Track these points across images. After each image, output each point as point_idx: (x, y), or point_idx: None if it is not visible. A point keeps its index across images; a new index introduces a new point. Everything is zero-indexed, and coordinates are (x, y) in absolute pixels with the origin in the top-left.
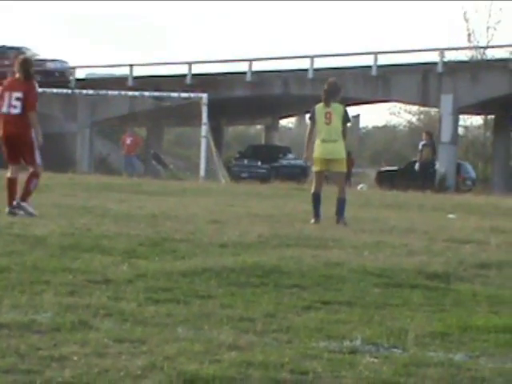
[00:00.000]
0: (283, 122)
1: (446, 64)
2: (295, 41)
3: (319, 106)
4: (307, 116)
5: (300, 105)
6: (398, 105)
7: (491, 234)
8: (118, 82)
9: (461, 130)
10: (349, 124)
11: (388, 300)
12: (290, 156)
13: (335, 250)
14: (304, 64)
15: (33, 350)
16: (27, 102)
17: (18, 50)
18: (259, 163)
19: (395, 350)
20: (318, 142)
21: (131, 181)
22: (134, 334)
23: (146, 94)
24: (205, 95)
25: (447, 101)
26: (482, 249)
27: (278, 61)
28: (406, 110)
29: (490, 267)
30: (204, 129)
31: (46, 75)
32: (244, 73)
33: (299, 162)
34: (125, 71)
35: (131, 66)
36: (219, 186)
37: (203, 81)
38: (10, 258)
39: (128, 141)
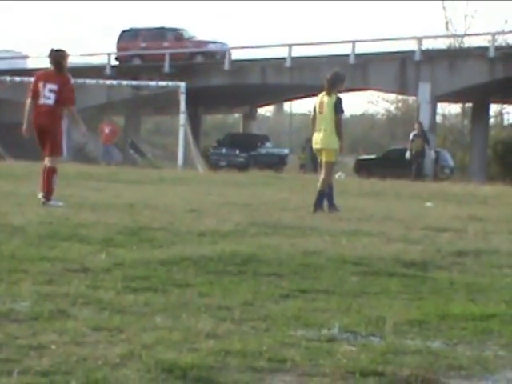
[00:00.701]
0: (261, 111)
1: (423, 52)
2: (273, 29)
3: (319, 96)
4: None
5: (278, 93)
6: (376, 93)
7: (469, 222)
8: (95, 71)
9: (439, 119)
10: (342, 115)
11: (366, 288)
12: (268, 144)
13: (313, 238)
14: (282, 52)
15: (11, 339)
16: (64, 96)
17: (177, 32)
18: (237, 152)
19: (373, 338)
20: (314, 131)
21: (109, 169)
22: (112, 323)
23: (124, 82)
24: (182, 84)
25: (425, 89)
26: (460, 237)
27: (255, 49)
28: (383, 99)
29: (467, 255)
30: (182, 117)
31: (207, 57)
32: (222, 61)
33: (277, 150)
34: (103, 60)
35: (109, 54)
36: (197, 175)
37: (181, 69)
38: None
39: (106, 130)
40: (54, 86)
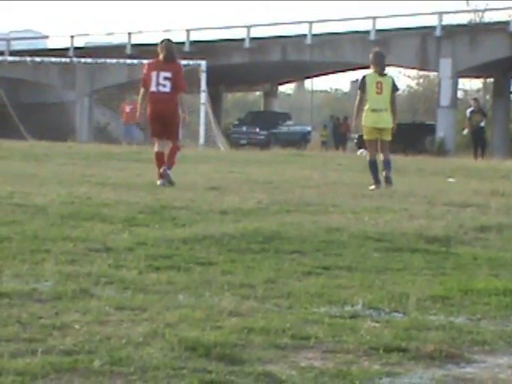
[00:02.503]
0: (282, 89)
1: (444, 28)
2: (293, 6)
3: (370, 76)
4: (357, 85)
5: (299, 71)
6: (397, 69)
7: (491, 197)
8: (116, 50)
9: (460, 94)
10: (397, 92)
11: (388, 264)
12: (290, 122)
13: (335, 215)
14: (302, 30)
15: (34, 318)
16: (177, 83)
17: None
18: (258, 129)
19: (396, 314)
20: (367, 111)
21: (130, 149)
22: (135, 302)
23: (145, 61)
24: (203, 62)
25: (446, 64)
26: (482, 212)
27: (276, 27)
28: (405, 75)
29: (490, 230)
30: (203, 96)
31: None
32: (242, 39)
33: (299, 127)
34: (123, 39)
35: (129, 34)
36: (218, 153)
37: (201, 48)
38: (11, 227)
39: (127, 109)
40: (168, 74)
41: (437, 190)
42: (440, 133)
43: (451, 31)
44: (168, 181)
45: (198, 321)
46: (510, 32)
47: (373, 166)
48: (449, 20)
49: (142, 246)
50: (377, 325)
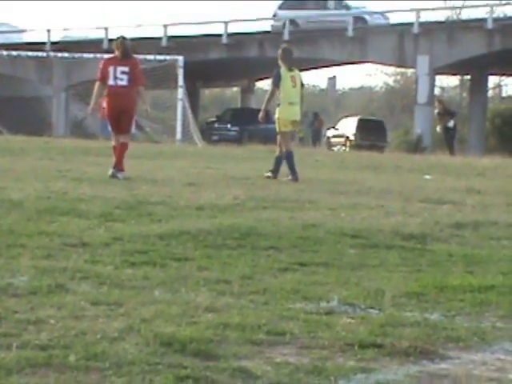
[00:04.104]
0: (260, 85)
1: (421, 25)
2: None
3: (284, 71)
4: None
5: (276, 67)
6: (374, 66)
7: (467, 194)
8: (93, 45)
9: (437, 91)
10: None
11: (364, 261)
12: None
13: (312, 211)
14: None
15: (9, 313)
16: (135, 77)
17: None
18: (228, 126)
19: (372, 310)
20: (285, 104)
21: (107, 144)
22: (111, 297)
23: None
24: (180, 58)
25: (423, 61)
26: (458, 209)
27: (253, 22)
28: (382, 72)
29: (465, 227)
30: (180, 91)
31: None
32: (220, 35)
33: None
34: (100, 34)
35: (106, 28)
36: (195, 149)
37: (179, 43)
38: None
39: (104, 104)
40: (125, 69)
41: (413, 187)
42: (417, 130)
43: (428, 28)
44: (123, 178)
45: (173, 316)
46: (486, 29)
47: (290, 157)
48: (426, 17)
49: (118, 241)
50: (352, 321)
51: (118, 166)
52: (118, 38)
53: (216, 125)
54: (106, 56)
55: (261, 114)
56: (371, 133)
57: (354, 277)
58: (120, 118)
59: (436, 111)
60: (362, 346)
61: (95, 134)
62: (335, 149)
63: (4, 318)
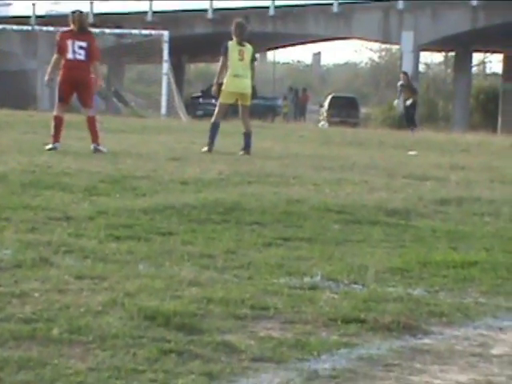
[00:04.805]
0: None
1: (406, 1)
2: None
3: (232, 43)
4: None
5: (261, 42)
6: (360, 42)
7: (451, 170)
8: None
9: (422, 67)
10: (256, 63)
11: (348, 236)
12: (257, 95)
13: (296, 187)
14: (265, 1)
15: None
16: (92, 53)
17: None
18: (213, 101)
19: (355, 285)
20: (230, 76)
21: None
22: (95, 271)
23: (107, 31)
24: (166, 32)
25: (408, 38)
26: (442, 185)
27: None
28: (367, 48)
29: (449, 203)
30: (165, 66)
31: None
32: (205, 10)
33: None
34: (85, 8)
35: (91, 2)
36: (180, 124)
37: (164, 18)
38: None
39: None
40: (83, 44)
41: (397, 163)
42: (400, 105)
43: (413, 4)
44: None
45: (157, 290)
46: (471, 6)
47: (215, 127)
48: None
49: (103, 215)
50: (335, 296)
51: (97, 141)
52: (75, 11)
53: (201, 100)
54: (64, 29)
55: (213, 88)
56: (342, 109)
57: (338, 252)
58: (78, 91)
59: (400, 83)
60: (345, 321)
61: (79, 108)
62: (319, 125)
63: None
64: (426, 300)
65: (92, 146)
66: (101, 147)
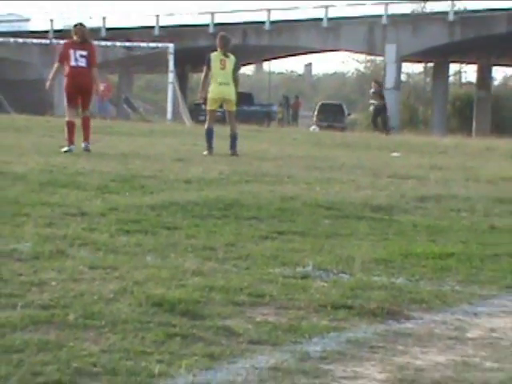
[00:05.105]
0: (243, 70)
1: (389, 16)
2: None
3: (214, 55)
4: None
5: (258, 54)
6: (347, 54)
7: (430, 170)
8: (92, 33)
9: (403, 77)
10: (239, 72)
11: (337, 230)
12: (254, 101)
13: (290, 185)
14: (261, 17)
15: (15, 276)
16: (92, 60)
17: None
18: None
19: (343, 275)
20: (214, 84)
21: (104, 123)
22: (107, 262)
23: (118, 44)
24: (171, 45)
25: (391, 50)
26: (422, 184)
27: (237, 13)
28: (354, 59)
29: (428, 200)
30: (170, 76)
31: None
32: (207, 25)
33: (259, 107)
34: (99, 23)
35: (104, 18)
36: (184, 128)
37: (170, 32)
38: None
39: (101, 87)
40: (84, 52)
41: (381, 164)
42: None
43: (396, 20)
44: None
45: (163, 279)
46: (448, 21)
47: (209, 133)
48: (394, 9)
49: (114, 211)
50: (325, 284)
51: (88, 140)
52: (76, 24)
53: (203, 106)
54: (65, 40)
55: (199, 94)
56: (329, 115)
57: (328, 244)
58: (81, 95)
59: (372, 90)
60: (334, 307)
61: (93, 114)
62: (311, 129)
63: (10, 280)
64: (407, 288)
65: (83, 145)
66: (89, 146)
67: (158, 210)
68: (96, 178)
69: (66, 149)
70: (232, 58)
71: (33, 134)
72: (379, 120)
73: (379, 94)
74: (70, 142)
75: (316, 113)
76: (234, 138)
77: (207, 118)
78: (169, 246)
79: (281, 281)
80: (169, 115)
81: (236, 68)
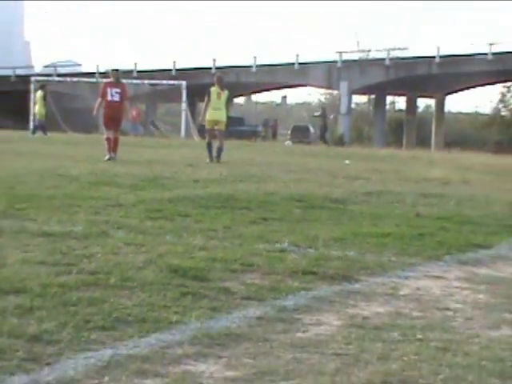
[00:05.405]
0: (236, 100)
1: (343, 62)
2: (240, 47)
3: (213, 88)
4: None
5: (247, 88)
6: (312, 88)
7: (373, 173)
8: (126, 74)
9: (353, 105)
10: (232, 102)
11: (305, 217)
12: (245, 123)
13: (271, 183)
14: (249, 62)
15: (71, 250)
16: (123, 96)
17: None
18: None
19: (310, 249)
20: (210, 109)
21: (135, 139)
22: (137, 240)
23: (145, 81)
24: (184, 82)
25: (344, 86)
26: (367, 183)
27: (232, 59)
28: (317, 92)
29: (372, 195)
30: (183, 105)
31: None
32: (210, 68)
33: (248, 127)
34: (132, 66)
35: (135, 64)
36: (194, 142)
37: (183, 73)
38: (56, 189)
39: (133, 113)
40: (117, 89)
41: (337, 168)
42: (340, 131)
43: (347, 64)
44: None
45: (178, 253)
46: (385, 65)
47: (208, 146)
48: (346, 57)
49: (142, 203)
50: (297, 256)
51: (115, 152)
52: (113, 69)
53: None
54: (105, 80)
55: (200, 118)
56: (299, 133)
57: (299, 227)
58: (113, 122)
59: (317, 114)
60: (303, 273)
61: (127, 132)
62: (285, 143)
63: (67, 253)
64: (357, 259)
65: (112, 154)
66: (114, 155)
67: (175, 202)
68: (129, 179)
69: (107, 157)
70: (226, 92)
71: (83, 147)
72: (326, 135)
73: (322, 116)
74: (109, 152)
75: (290, 132)
76: (220, 150)
77: (207, 134)
78: (182, 229)
79: (265, 254)
80: (182, 133)
81: (229, 99)
